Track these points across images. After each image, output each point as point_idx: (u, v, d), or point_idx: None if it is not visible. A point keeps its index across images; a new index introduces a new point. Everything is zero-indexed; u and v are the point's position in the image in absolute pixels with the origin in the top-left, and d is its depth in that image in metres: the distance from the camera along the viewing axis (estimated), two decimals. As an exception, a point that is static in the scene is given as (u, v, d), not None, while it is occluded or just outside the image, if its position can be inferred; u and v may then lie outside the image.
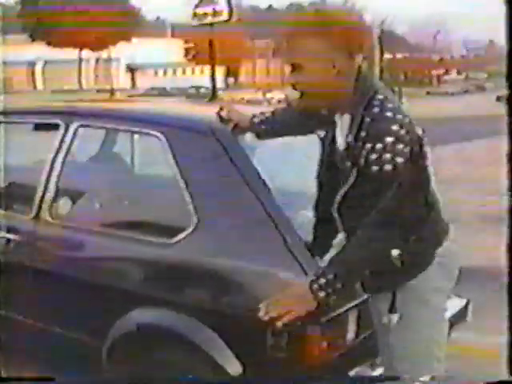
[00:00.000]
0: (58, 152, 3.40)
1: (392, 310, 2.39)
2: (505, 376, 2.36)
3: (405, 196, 2.26)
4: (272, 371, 2.68)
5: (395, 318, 2.40)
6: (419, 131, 2.30)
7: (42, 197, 3.42)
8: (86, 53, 66.95)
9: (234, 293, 2.81)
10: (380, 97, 2.28)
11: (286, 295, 2.37)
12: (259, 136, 2.90)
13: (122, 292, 3.06)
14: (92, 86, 64.94)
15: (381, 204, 2.24)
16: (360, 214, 2.30)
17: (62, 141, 3.40)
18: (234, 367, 2.74)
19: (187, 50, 71.72)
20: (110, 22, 61.03)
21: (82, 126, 3.38)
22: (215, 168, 2.92)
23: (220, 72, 60.55)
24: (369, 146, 2.20)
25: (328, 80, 2.30)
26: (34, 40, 63.46)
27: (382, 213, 2.26)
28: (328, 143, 2.50)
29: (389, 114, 2.22)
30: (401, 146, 2.18)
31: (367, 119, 2.23)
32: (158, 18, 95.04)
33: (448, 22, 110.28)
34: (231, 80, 75.19)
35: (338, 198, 2.40)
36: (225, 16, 22.01)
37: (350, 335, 2.76)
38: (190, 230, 2.87)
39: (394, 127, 2.19)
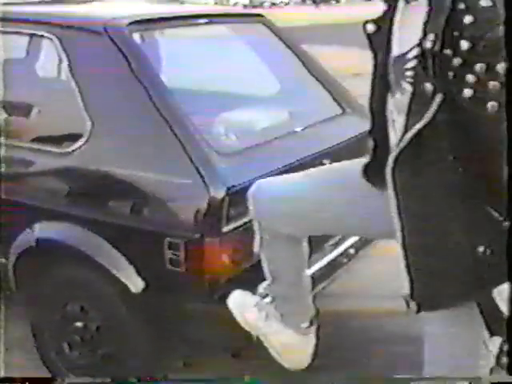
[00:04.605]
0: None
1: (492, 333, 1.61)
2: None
3: None
4: (174, 287, 2.52)
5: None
6: None
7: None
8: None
9: (132, 203, 2.60)
10: None
11: None
12: None
13: (24, 206, 2.86)
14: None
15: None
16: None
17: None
18: (136, 284, 2.57)
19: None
20: None
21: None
22: (108, 69, 2.66)
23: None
24: (481, 68, 1.40)
25: None
26: None
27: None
28: (382, 48, 1.66)
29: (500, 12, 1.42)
30: None
31: (468, 19, 1.40)
32: None
33: None
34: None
35: (396, 152, 1.56)
36: None
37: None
38: (85, 137, 2.64)
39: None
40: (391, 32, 1.64)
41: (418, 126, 1.48)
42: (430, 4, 1.48)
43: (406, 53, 1.53)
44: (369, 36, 1.70)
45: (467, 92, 1.41)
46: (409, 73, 1.52)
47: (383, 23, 1.67)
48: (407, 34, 1.54)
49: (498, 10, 1.40)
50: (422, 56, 1.46)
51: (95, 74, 2.68)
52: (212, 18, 3.17)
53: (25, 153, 2.90)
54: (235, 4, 29.40)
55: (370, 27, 1.69)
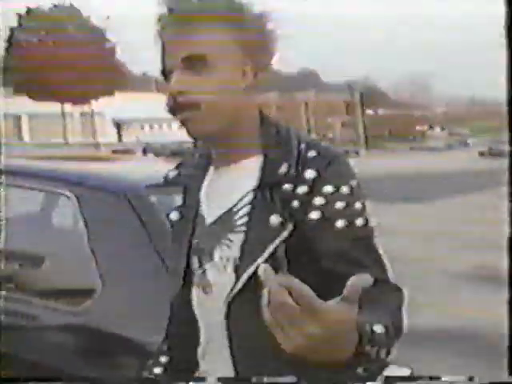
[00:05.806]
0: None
1: None
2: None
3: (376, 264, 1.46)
4: None
5: None
6: None
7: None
8: (68, 107, 67.04)
9: (139, 365, 2.57)
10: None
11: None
12: None
13: (25, 361, 2.82)
14: (78, 139, 65.07)
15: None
16: None
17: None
18: None
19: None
20: (97, 77, 61.30)
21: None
22: (124, 231, 2.71)
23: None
24: (328, 189, 1.45)
25: (235, 90, 1.54)
26: (16, 93, 62.12)
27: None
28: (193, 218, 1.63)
29: (338, 150, 1.56)
30: (363, 193, 1.52)
31: (311, 153, 1.49)
32: (144, 74, 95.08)
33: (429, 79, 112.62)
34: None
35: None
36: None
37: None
38: (95, 297, 2.65)
39: (351, 168, 1.53)
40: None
41: (261, 260, 1.44)
42: (265, 156, 1.53)
43: (237, 203, 1.54)
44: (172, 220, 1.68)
45: (314, 214, 1.44)
46: (244, 218, 1.52)
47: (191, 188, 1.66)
48: (232, 189, 1.55)
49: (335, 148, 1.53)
50: (262, 194, 1.50)
51: (109, 236, 2.73)
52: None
53: (31, 308, 2.89)
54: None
55: (174, 215, 1.68)
